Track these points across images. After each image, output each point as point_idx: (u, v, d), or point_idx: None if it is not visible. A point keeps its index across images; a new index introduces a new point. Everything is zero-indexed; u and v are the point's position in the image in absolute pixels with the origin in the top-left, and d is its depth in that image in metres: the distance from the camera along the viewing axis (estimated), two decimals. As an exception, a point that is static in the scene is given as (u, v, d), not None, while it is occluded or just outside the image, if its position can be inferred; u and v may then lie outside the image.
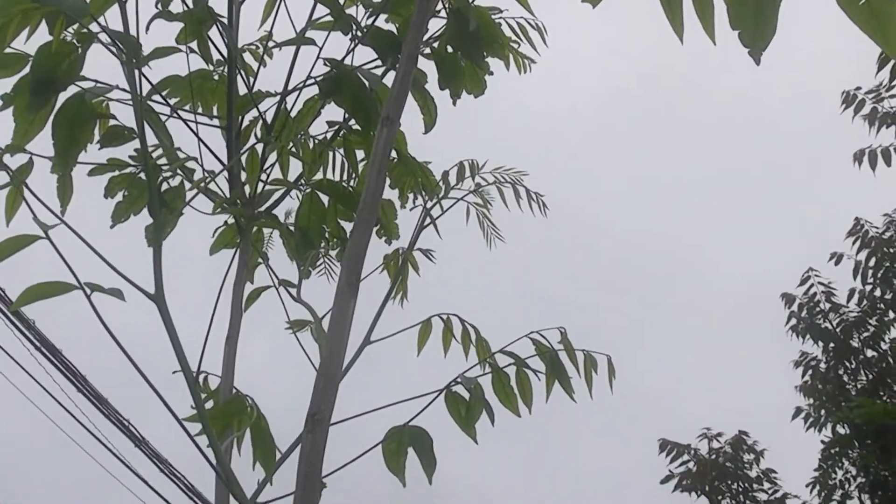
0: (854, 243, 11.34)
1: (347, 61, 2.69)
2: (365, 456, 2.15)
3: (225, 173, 2.62)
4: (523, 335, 2.34)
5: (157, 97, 2.83)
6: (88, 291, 1.63)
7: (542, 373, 2.32)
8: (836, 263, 11.49)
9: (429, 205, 2.66)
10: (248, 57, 3.05)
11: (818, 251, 12.33)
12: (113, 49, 2.44)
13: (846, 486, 11.07)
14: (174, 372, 2.29)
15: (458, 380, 2.24)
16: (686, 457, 11.78)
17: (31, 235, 1.66)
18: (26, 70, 2.51)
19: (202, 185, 2.36)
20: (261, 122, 2.74)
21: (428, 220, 2.65)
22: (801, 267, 11.85)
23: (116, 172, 2.87)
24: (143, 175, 2.78)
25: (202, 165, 2.59)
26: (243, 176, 2.68)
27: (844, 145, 9.10)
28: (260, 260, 2.69)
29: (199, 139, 2.62)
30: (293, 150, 2.61)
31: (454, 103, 2.81)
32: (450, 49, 2.76)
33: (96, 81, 2.58)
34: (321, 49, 2.51)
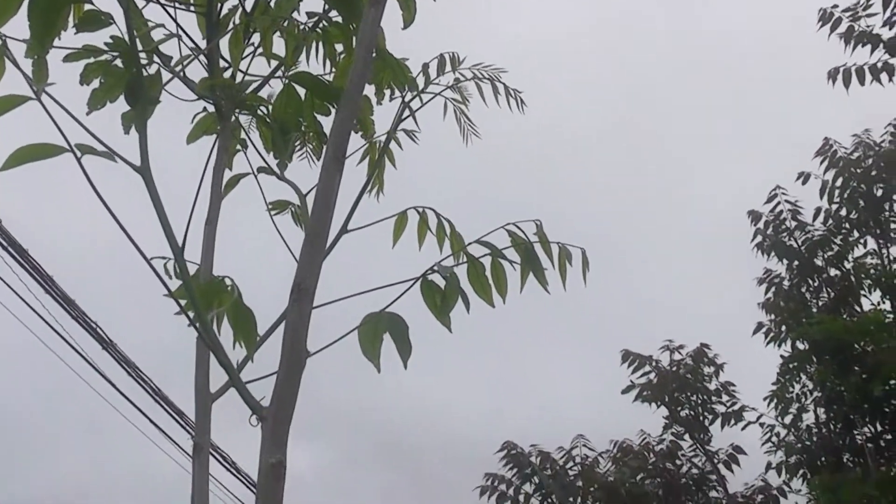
0: (822, 163, 11.46)
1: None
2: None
3: (204, 61, 2.60)
4: (499, 227, 2.37)
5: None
6: (79, 154, 1.64)
7: (517, 263, 2.35)
8: (804, 183, 11.62)
9: (408, 97, 2.66)
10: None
11: (787, 172, 12.42)
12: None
13: (802, 399, 11.38)
14: (153, 258, 2.31)
15: (435, 268, 2.27)
16: (647, 368, 12.01)
17: (22, 96, 1.65)
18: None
19: (181, 67, 2.35)
20: (240, 9, 2.71)
21: (407, 113, 2.66)
22: (769, 187, 11.97)
23: (92, 59, 2.84)
24: (119, 63, 2.76)
25: (181, 50, 2.58)
26: (222, 64, 2.66)
27: (817, 67, 9.12)
28: (239, 147, 2.69)
29: (178, 25, 2.59)
30: (278, 30, 2.59)
31: (434, -1, 2.80)
32: (432, -59, 2.73)
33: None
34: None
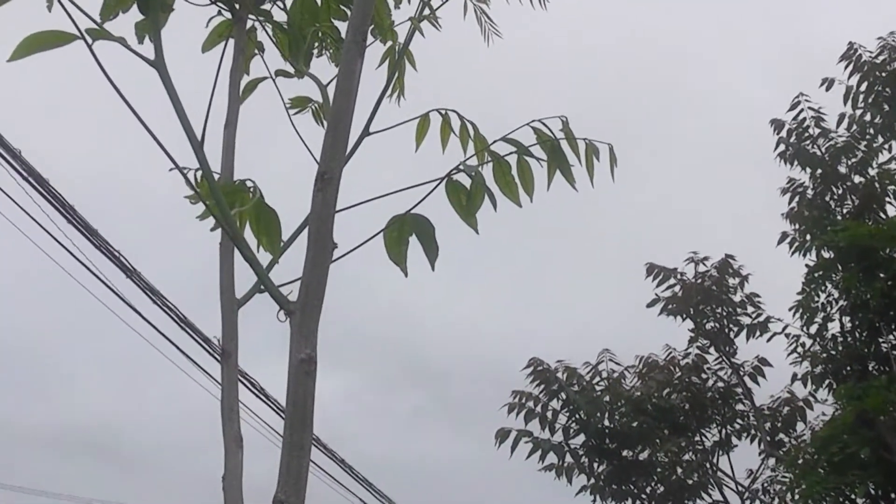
0: (846, 68, 11.24)
1: None
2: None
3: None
4: (524, 124, 2.31)
5: None
6: (90, 40, 1.58)
7: (543, 160, 2.29)
8: (828, 89, 11.42)
9: (426, -4, 2.58)
10: None
11: (809, 81, 12.20)
12: None
13: (828, 308, 11.30)
14: (171, 169, 2.26)
15: (460, 167, 2.21)
16: (672, 280, 11.96)
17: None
18: None
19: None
20: None
21: (427, 12, 2.58)
22: (791, 96, 11.75)
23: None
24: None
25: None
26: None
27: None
28: (256, 51, 2.62)
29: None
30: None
31: None
32: None
33: None
34: None
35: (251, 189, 2.08)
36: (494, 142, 2.32)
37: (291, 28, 2.79)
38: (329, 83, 2.34)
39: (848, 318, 11.20)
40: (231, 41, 2.45)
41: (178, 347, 11.82)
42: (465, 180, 2.25)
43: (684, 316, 12.01)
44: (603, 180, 2.47)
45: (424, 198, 2.17)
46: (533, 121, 2.32)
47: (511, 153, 2.29)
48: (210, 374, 11.68)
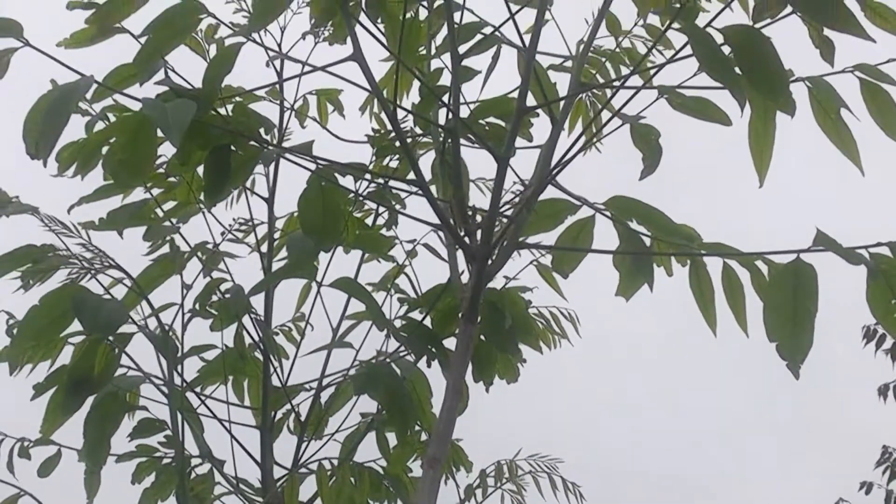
0: (884, 473, 11.08)
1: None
2: None
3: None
4: None
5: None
6: None
7: None
8: (867, 493, 11.20)
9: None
10: (280, 339, 3.07)
11: (847, 477, 12.03)
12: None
13: None
14: None
15: None
16: None
17: None
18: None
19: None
20: (293, 415, 2.74)
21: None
22: (832, 493, 11.52)
23: (144, 458, 2.84)
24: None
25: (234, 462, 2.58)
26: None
27: (870, 377, 9.09)
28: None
29: (232, 436, 2.61)
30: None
31: (487, 390, 2.80)
32: (483, 338, 2.76)
33: (128, 368, 2.58)
34: (358, 351, 2.53)
35: None
36: None
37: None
38: None
39: None
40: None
41: None
42: None
43: None
44: None
45: None
46: None
47: None
48: None
